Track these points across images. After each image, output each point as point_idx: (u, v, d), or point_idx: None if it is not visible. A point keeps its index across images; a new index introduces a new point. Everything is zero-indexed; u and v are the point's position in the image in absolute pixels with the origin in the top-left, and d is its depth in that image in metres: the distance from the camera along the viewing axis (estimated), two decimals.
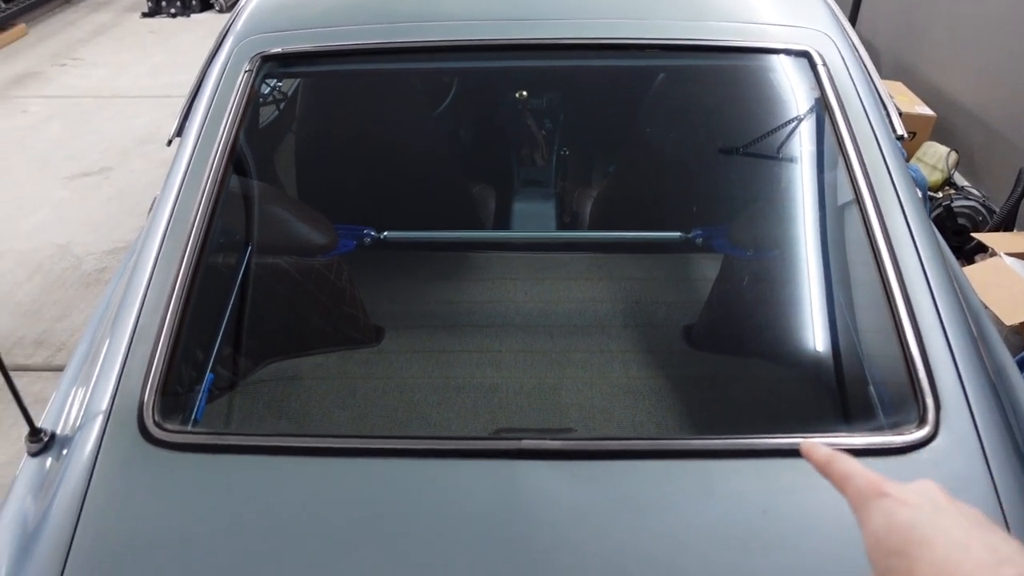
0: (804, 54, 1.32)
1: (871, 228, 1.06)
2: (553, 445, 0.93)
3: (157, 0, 5.87)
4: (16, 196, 3.36)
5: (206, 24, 5.69)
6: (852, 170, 1.15)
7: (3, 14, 5.35)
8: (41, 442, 0.97)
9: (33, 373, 2.39)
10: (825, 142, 1.36)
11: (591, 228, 1.90)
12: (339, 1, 1.45)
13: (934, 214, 2.79)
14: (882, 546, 0.45)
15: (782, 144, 1.47)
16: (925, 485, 0.48)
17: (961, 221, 2.79)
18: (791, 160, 1.46)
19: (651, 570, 0.83)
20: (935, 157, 3.05)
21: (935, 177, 3.01)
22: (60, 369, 2.36)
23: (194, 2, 5.90)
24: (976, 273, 2.24)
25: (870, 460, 0.90)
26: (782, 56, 1.38)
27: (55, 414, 1.05)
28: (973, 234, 2.61)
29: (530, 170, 2.20)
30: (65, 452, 0.94)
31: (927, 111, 3.19)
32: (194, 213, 1.10)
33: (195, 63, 4.71)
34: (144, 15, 5.85)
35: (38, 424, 0.98)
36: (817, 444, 0.55)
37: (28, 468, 0.97)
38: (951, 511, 0.45)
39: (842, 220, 1.29)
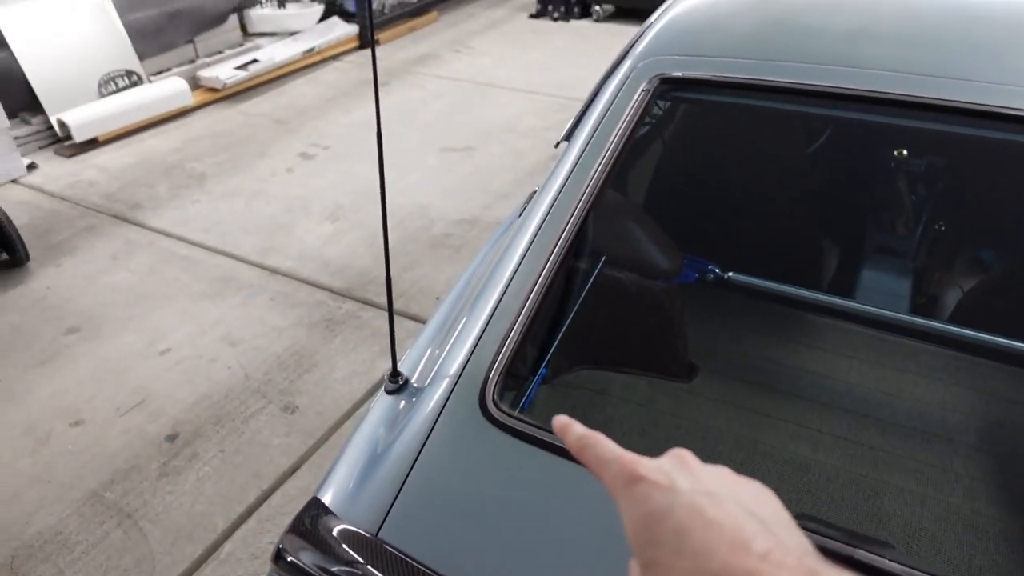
0: None
1: None
2: (885, 564, 0.81)
3: (544, 4, 6.43)
4: (401, 157, 3.94)
5: (581, 31, 6.09)
6: None
7: (424, 1, 6.30)
8: (397, 384, 1.11)
9: (376, 310, 2.79)
10: None
11: (954, 321, 1.65)
12: (751, 34, 1.42)
13: None
14: (641, 537, 0.40)
15: None
16: (676, 455, 0.45)
17: None
18: None
19: None
20: None
21: None
22: (397, 312, 2.73)
23: (576, 9, 6.35)
24: None
25: None
26: None
27: (411, 363, 1.19)
28: None
29: (887, 237, 1.98)
30: (414, 400, 1.07)
31: None
32: (568, 215, 1.17)
33: (562, 65, 5.03)
34: (531, 16, 6.45)
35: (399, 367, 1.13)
36: (571, 423, 0.49)
37: (383, 401, 1.11)
38: (705, 482, 0.41)
39: None
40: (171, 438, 2.25)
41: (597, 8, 6.31)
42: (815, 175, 1.89)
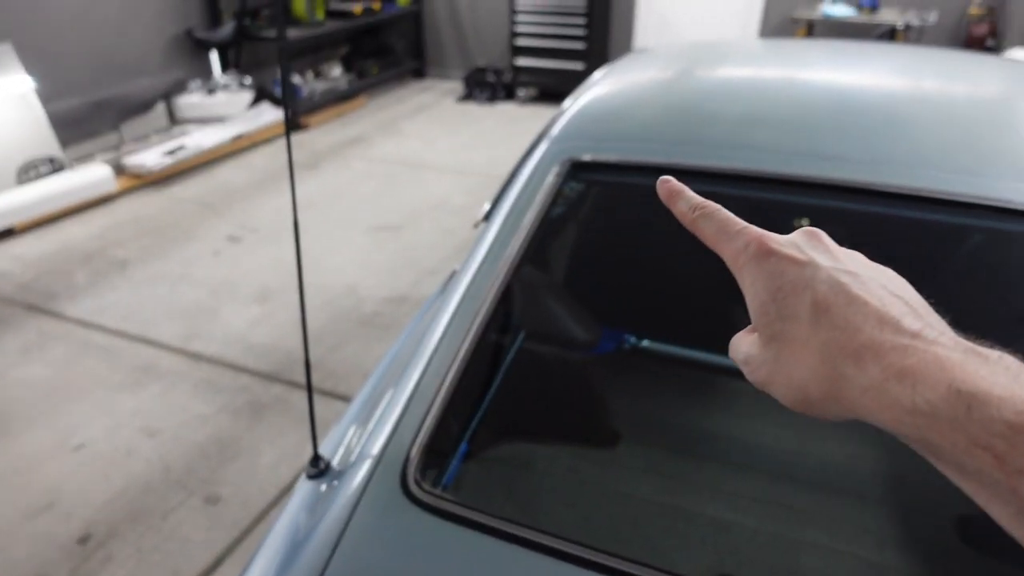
0: None
1: None
2: None
3: (470, 88, 6.70)
4: (328, 238, 3.96)
5: (506, 114, 6.34)
6: None
7: (353, 87, 6.47)
8: (319, 468, 1.10)
9: (304, 391, 2.74)
10: None
11: None
12: (652, 121, 1.54)
13: None
14: (770, 311, 0.39)
15: None
16: (809, 232, 0.42)
17: None
18: None
19: None
20: None
21: None
22: (327, 393, 2.70)
23: (500, 94, 6.63)
24: None
25: None
26: None
27: (332, 444, 1.19)
28: None
29: None
30: (336, 484, 1.06)
31: None
32: (487, 293, 1.21)
33: (490, 146, 5.21)
34: (458, 100, 6.69)
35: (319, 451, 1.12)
36: (682, 188, 0.46)
37: (304, 487, 1.10)
38: (843, 263, 0.39)
39: None
40: (83, 540, 2.12)
41: (521, 92, 6.61)
42: None
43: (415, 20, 7.21)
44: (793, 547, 1.27)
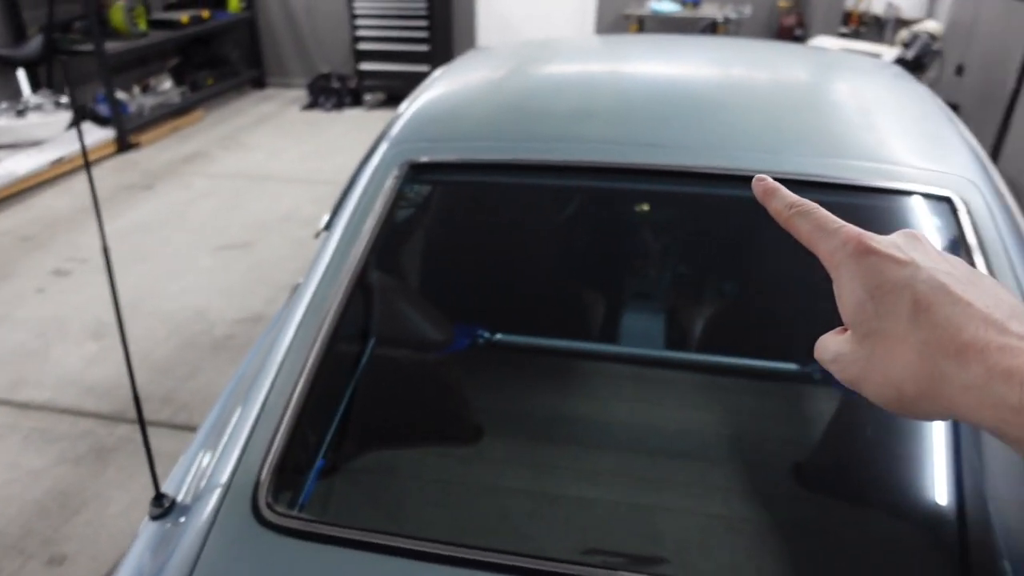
0: (945, 199, 1.29)
1: None
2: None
3: (315, 96, 6.51)
4: (169, 261, 3.71)
5: (354, 120, 6.22)
6: None
7: (187, 101, 6.09)
8: (162, 507, 1.04)
9: (155, 428, 2.56)
10: None
11: (700, 350, 1.87)
12: (486, 119, 1.56)
13: None
14: (867, 308, 0.39)
15: None
16: (910, 234, 0.42)
17: None
18: None
19: None
20: None
21: None
22: (181, 427, 2.53)
23: (347, 100, 6.49)
24: None
25: None
26: (920, 199, 1.35)
27: (179, 477, 1.12)
28: None
29: (642, 282, 2.21)
30: (183, 520, 1.00)
31: None
32: (331, 303, 1.18)
33: (339, 152, 5.09)
34: (303, 108, 6.48)
35: (162, 486, 1.06)
36: (778, 187, 0.45)
37: (148, 530, 1.03)
38: (943, 265, 0.39)
39: None
40: None
41: (368, 97, 6.51)
42: (566, 237, 2.08)
43: (249, 27, 6.90)
44: (651, 514, 1.34)
